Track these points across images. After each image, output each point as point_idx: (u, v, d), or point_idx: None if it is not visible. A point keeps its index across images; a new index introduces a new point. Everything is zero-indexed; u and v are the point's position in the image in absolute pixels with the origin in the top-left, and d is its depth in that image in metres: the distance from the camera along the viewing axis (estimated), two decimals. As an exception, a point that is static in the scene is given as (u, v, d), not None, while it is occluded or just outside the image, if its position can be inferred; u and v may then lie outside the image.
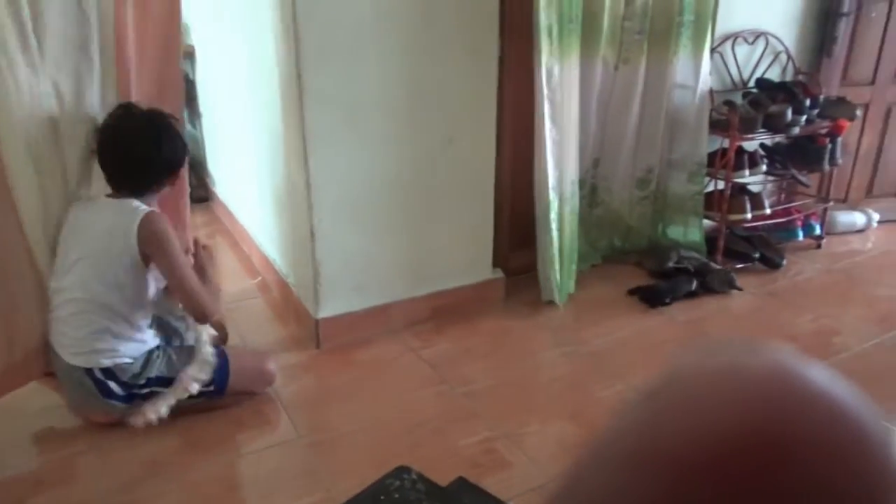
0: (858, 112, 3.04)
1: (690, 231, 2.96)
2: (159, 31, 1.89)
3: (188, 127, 3.93)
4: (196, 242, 2.07)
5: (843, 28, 3.14)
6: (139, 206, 1.80)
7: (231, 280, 2.82)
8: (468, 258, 2.53)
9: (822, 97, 2.95)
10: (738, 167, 2.81)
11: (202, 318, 1.87)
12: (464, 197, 2.43)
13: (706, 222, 2.95)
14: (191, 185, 3.39)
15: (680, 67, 2.74)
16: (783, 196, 3.38)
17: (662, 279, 2.74)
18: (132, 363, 1.81)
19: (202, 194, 3.74)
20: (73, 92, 1.78)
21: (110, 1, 1.76)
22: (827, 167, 3.02)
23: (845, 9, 3.09)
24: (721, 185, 2.85)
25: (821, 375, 0.23)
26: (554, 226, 2.48)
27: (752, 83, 3.07)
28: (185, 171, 1.98)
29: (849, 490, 0.21)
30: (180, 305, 1.92)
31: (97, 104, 1.83)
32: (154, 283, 1.87)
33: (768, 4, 3.03)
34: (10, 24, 1.62)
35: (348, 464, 1.76)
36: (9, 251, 1.77)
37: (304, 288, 2.37)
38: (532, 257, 2.58)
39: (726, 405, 0.23)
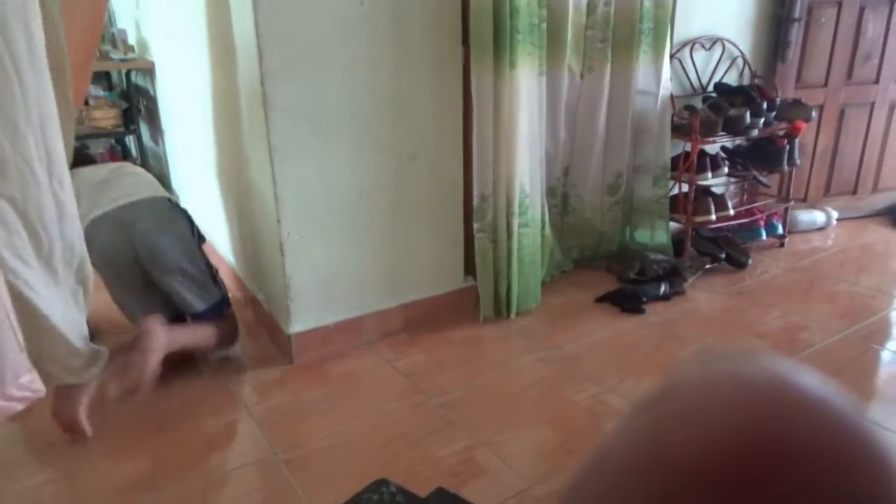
0: (814, 113, 3.13)
1: (657, 234, 3.01)
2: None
3: (150, 144, 3.88)
4: None
5: (796, 33, 3.23)
6: None
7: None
8: (440, 268, 2.53)
9: (778, 100, 3.03)
10: (701, 170, 2.87)
11: None
12: (434, 207, 2.43)
13: (672, 225, 3.00)
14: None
15: (641, 74, 2.79)
16: (745, 197, 3.45)
17: (631, 284, 2.77)
18: None
19: (167, 212, 3.67)
20: None
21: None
22: (786, 168, 3.10)
23: (796, 14, 3.19)
24: (685, 188, 2.90)
25: (815, 383, 0.24)
26: (479, 236, 2.46)
27: (710, 88, 3.14)
28: None
29: (848, 496, 0.21)
30: None
31: None
32: None
33: (724, 11, 3.11)
34: None
35: (326, 479, 1.73)
36: None
37: (274, 303, 2.34)
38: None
39: (725, 413, 0.23)
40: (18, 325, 1.58)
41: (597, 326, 2.52)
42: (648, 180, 2.96)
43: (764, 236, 3.24)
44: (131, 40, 3.76)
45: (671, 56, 2.90)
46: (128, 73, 3.74)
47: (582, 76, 2.72)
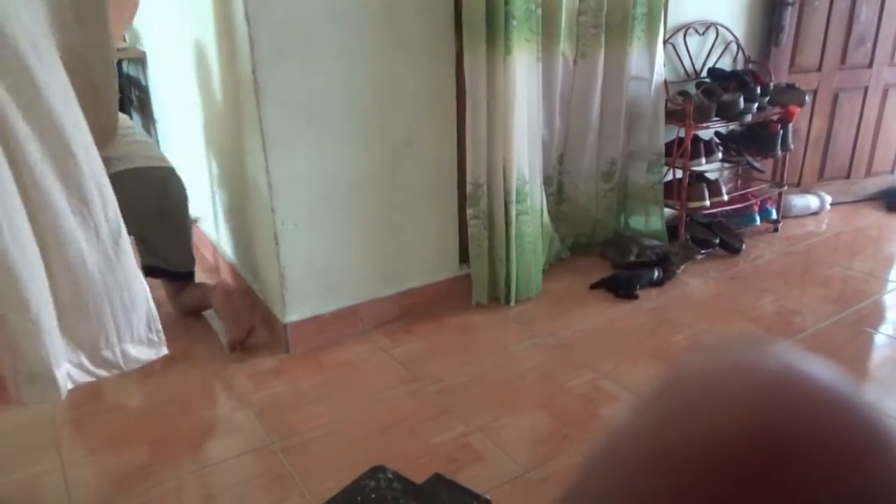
0: (807, 98, 3.13)
1: (652, 220, 3.01)
2: None
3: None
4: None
5: (789, 17, 3.23)
6: None
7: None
8: (435, 256, 2.53)
9: (772, 84, 3.03)
10: (695, 156, 2.87)
11: None
12: (428, 195, 2.43)
13: (667, 211, 3.01)
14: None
15: (635, 60, 2.78)
16: (739, 182, 3.46)
17: (626, 269, 2.78)
18: None
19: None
20: None
21: None
22: (780, 153, 3.10)
23: (790, -2, 3.18)
24: (679, 174, 2.91)
25: (827, 374, 0.24)
26: (472, 223, 2.47)
27: (704, 73, 3.14)
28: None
29: (858, 491, 0.21)
30: None
31: None
32: None
33: (717, -5, 3.10)
34: None
35: (323, 466, 1.74)
36: None
37: (270, 293, 2.34)
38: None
39: (734, 406, 0.23)
40: None
41: (592, 313, 2.53)
42: (643, 167, 2.96)
43: (758, 221, 3.25)
44: (122, 30, 3.73)
45: (665, 41, 2.89)
46: (119, 63, 3.71)
47: (575, 62, 2.72)
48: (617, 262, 2.86)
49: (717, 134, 3.14)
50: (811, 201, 3.50)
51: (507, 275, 2.54)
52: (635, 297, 2.63)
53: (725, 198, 3.00)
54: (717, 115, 2.83)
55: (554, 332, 2.39)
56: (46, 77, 1.55)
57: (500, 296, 2.57)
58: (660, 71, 2.83)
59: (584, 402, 1.99)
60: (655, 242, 2.90)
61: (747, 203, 3.21)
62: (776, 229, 3.30)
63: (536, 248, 2.60)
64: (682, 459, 0.22)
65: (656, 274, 2.72)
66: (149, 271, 2.37)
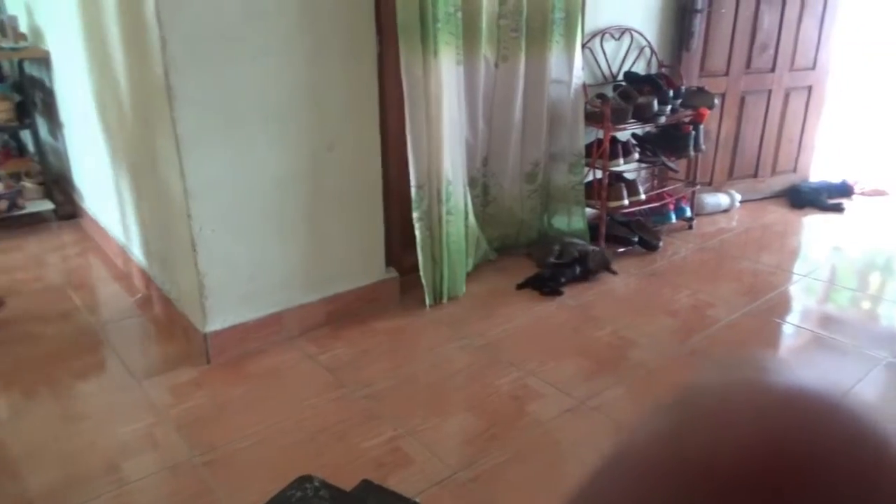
0: (717, 101, 3.28)
1: (574, 220, 3.08)
2: None
3: (48, 139, 3.65)
4: None
5: (699, 23, 3.37)
6: None
7: (108, 300, 2.65)
8: (361, 259, 2.50)
9: (683, 88, 3.16)
10: (614, 156, 2.96)
11: None
12: (352, 198, 2.40)
13: (588, 210, 3.08)
14: (56, 201, 3.18)
15: (555, 63, 2.84)
16: (656, 182, 3.59)
17: (549, 269, 2.83)
18: None
19: (69, 211, 3.48)
20: None
21: None
22: (692, 153, 3.24)
23: (698, 5, 3.33)
24: (599, 174, 2.99)
25: (838, 395, 0.25)
26: (418, 225, 2.48)
27: (620, 76, 3.24)
28: None
29: (869, 503, 0.22)
30: None
31: None
32: None
33: (632, 2, 3.21)
34: None
35: (248, 479, 1.69)
36: None
37: (189, 301, 2.26)
38: (424, 255, 2.60)
39: (753, 419, 0.24)
40: None
41: (517, 312, 2.56)
42: (564, 168, 3.03)
43: (674, 219, 3.38)
44: (23, 28, 3.52)
45: (583, 46, 2.96)
46: (20, 63, 3.50)
47: (497, 65, 2.75)
48: (541, 262, 2.91)
49: (633, 135, 3.25)
50: (722, 199, 3.67)
51: (441, 275, 2.55)
52: (560, 293, 2.68)
53: (643, 197, 3.11)
54: (633, 118, 2.93)
55: (481, 332, 2.41)
56: None
57: (437, 296, 2.58)
58: (578, 74, 2.90)
59: (511, 401, 2.02)
60: (577, 240, 2.97)
61: (663, 202, 3.33)
62: (690, 226, 3.44)
63: (461, 249, 2.62)
64: (699, 468, 0.23)
65: (578, 269, 2.78)
66: None
